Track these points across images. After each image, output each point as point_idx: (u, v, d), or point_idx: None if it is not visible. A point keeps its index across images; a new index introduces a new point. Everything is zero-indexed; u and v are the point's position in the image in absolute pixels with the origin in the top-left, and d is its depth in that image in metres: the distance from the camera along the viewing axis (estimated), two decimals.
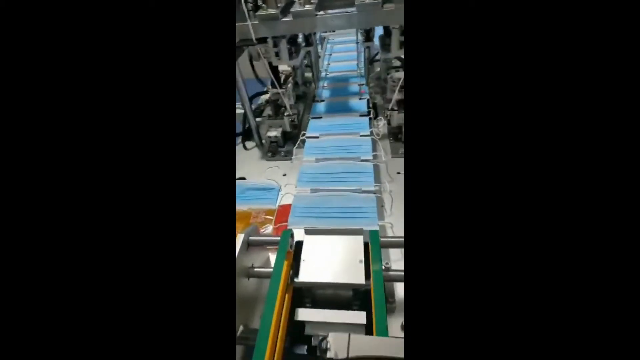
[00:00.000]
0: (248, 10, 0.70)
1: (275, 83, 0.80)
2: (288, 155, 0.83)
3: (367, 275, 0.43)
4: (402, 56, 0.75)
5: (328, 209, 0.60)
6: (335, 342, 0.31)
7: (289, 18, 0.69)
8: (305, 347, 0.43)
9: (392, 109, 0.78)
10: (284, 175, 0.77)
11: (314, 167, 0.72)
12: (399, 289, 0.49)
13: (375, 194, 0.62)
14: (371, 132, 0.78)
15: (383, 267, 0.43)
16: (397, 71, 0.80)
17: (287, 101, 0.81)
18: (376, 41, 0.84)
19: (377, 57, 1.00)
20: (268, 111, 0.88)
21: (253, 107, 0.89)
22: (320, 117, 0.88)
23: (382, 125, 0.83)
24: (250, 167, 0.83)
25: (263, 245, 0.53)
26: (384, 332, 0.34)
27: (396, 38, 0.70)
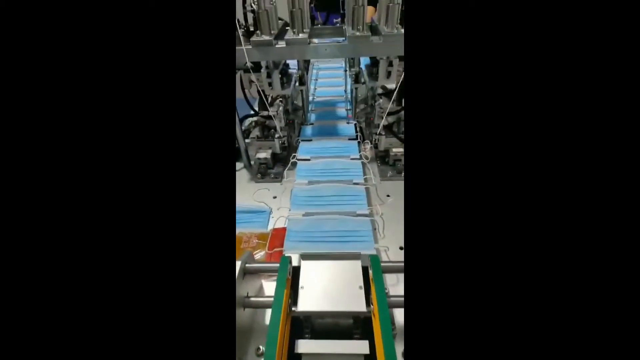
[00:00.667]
0: (240, 36, 0.71)
1: (266, 104, 0.81)
2: (278, 177, 0.82)
3: (368, 302, 0.43)
4: (387, 85, 0.79)
5: (323, 232, 0.59)
6: None
7: (282, 45, 0.71)
8: None
9: (380, 134, 0.81)
10: (274, 197, 0.76)
11: (306, 189, 0.71)
12: (398, 315, 0.48)
13: (369, 217, 0.63)
14: (360, 155, 0.80)
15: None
16: (382, 98, 0.84)
17: (278, 123, 0.82)
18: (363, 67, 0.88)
19: (363, 82, 1.04)
20: (256, 132, 0.88)
21: (242, 128, 0.88)
22: (310, 140, 0.89)
23: (369, 149, 0.86)
24: (239, 189, 0.81)
25: (259, 272, 0.51)
26: (392, 359, 0.33)
27: (383, 68, 0.74)
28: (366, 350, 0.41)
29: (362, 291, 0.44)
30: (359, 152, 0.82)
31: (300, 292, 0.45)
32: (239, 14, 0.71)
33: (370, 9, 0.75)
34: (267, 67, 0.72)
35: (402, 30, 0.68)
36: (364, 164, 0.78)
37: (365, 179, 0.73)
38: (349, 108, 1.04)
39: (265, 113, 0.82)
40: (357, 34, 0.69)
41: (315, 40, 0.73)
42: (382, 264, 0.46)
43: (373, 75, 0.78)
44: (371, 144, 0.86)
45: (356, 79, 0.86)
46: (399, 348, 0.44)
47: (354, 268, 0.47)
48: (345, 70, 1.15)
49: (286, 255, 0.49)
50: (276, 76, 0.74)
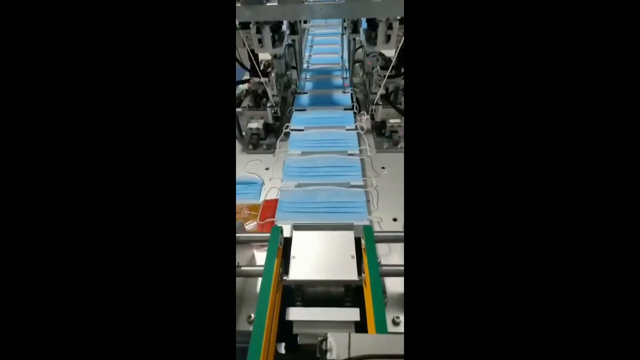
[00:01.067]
0: None
1: (258, 71, 0.76)
2: (270, 149, 0.79)
3: (360, 271, 0.42)
4: (387, 51, 0.75)
5: (316, 204, 0.58)
6: (336, 343, 0.30)
7: (274, 3, 0.65)
8: (283, 344, 0.42)
9: (377, 104, 0.78)
10: (267, 169, 0.74)
11: (299, 160, 0.69)
12: (389, 283, 0.49)
13: (363, 188, 0.62)
14: (356, 126, 0.77)
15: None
16: (382, 65, 0.80)
17: (270, 91, 0.78)
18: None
19: (359, 50, 0.99)
20: (248, 101, 0.84)
21: None
22: (304, 110, 0.85)
23: (365, 119, 0.83)
24: None
25: (249, 242, 0.50)
26: (383, 329, 0.34)
27: (382, 31, 0.69)
28: (357, 317, 0.41)
29: (354, 260, 0.44)
30: (355, 122, 0.79)
31: (292, 262, 0.44)
32: None
33: None
34: (256, 22, 0.67)
35: None
36: (359, 135, 0.76)
37: (360, 150, 0.71)
38: (345, 77, 0.99)
39: (257, 79, 0.78)
40: None
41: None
42: (375, 234, 0.46)
43: (371, 39, 0.73)
44: (367, 114, 0.82)
45: (354, 29, 0.80)
46: (389, 315, 0.45)
47: (347, 238, 0.46)
48: (342, 35, 1.08)
49: (278, 225, 0.48)
50: (267, 32, 0.68)
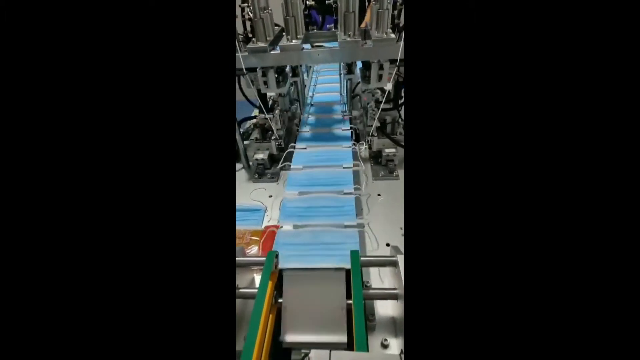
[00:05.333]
0: (239, 42, 0.75)
1: (263, 108, 0.84)
2: (274, 177, 0.85)
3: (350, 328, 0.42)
4: (382, 87, 0.81)
5: (310, 245, 0.61)
6: (317, 359, 0.33)
7: (277, 51, 0.74)
8: None
9: (372, 135, 0.84)
10: (270, 196, 0.80)
11: (296, 200, 0.74)
12: (379, 306, 0.51)
13: (357, 228, 0.65)
14: (355, 164, 0.82)
15: (363, 286, 0.46)
16: (376, 100, 0.87)
17: (275, 126, 0.86)
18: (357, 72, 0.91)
19: (358, 87, 1.07)
20: (255, 134, 0.92)
21: (241, 130, 0.93)
22: (305, 149, 0.91)
23: (364, 149, 0.89)
24: (237, 188, 0.85)
25: (249, 266, 0.54)
26: (363, 347, 0.36)
27: (375, 71, 0.76)
28: (344, 340, 0.43)
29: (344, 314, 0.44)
30: (352, 160, 0.84)
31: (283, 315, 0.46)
32: (238, 23, 0.75)
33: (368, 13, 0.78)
34: (262, 67, 0.75)
35: (392, 35, 0.70)
36: (355, 173, 0.81)
37: (356, 189, 0.75)
38: (344, 110, 1.07)
39: (262, 116, 0.86)
40: (349, 39, 0.71)
41: (309, 46, 0.76)
42: (368, 258, 0.49)
43: (366, 78, 0.81)
44: (366, 144, 0.88)
45: (349, 70, 0.89)
46: (378, 338, 0.47)
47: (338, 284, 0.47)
48: (340, 75, 1.18)
49: (275, 250, 0.52)
50: (272, 75, 0.77)
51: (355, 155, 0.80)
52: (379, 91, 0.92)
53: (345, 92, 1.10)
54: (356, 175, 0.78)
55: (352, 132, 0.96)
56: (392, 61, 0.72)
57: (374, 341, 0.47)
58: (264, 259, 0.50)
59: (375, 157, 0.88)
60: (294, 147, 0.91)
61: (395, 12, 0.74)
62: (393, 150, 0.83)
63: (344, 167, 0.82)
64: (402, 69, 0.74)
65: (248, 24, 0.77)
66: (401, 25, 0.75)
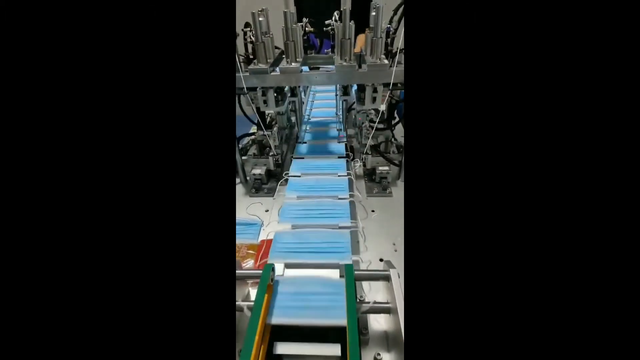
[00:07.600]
0: (240, 62, 0.79)
1: (262, 125, 0.87)
2: (271, 192, 0.87)
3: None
4: (376, 108, 0.85)
5: (306, 244, 0.64)
6: None
7: (277, 72, 0.78)
8: None
9: (367, 153, 0.87)
10: (266, 211, 0.81)
11: (295, 204, 0.77)
12: (372, 320, 0.52)
13: (350, 229, 0.68)
14: (348, 173, 0.86)
15: (357, 300, 0.47)
16: (371, 121, 0.91)
17: (272, 142, 0.88)
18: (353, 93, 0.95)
19: (354, 106, 1.12)
20: (253, 150, 0.94)
21: (239, 146, 0.95)
22: (303, 158, 0.95)
23: (358, 166, 0.92)
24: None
25: (244, 279, 0.55)
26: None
27: (369, 93, 0.80)
28: (338, 353, 0.44)
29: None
30: (347, 170, 0.87)
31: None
32: (240, 45, 0.79)
33: (361, 38, 0.83)
34: (262, 87, 0.79)
35: (385, 61, 0.75)
36: (350, 181, 0.84)
37: (350, 195, 0.78)
38: (340, 129, 1.11)
39: (261, 132, 0.89)
40: (344, 64, 0.76)
41: (307, 69, 0.80)
42: (361, 272, 0.51)
43: (361, 99, 0.85)
44: (361, 162, 0.92)
45: (344, 92, 0.93)
46: (371, 352, 0.48)
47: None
48: (337, 95, 1.23)
49: (271, 263, 0.54)
50: (271, 94, 0.81)
51: (350, 186, 0.82)
52: (373, 111, 0.96)
53: (341, 112, 1.15)
54: (352, 207, 0.76)
55: (346, 148, 0.99)
56: (386, 84, 0.77)
57: (367, 356, 0.47)
58: (258, 272, 0.51)
59: (370, 175, 0.91)
60: (292, 158, 0.93)
61: (388, 40, 0.79)
62: (386, 168, 0.86)
63: (339, 176, 0.85)
64: (395, 92, 0.78)
65: (250, 46, 0.82)
66: (394, 51, 0.80)
